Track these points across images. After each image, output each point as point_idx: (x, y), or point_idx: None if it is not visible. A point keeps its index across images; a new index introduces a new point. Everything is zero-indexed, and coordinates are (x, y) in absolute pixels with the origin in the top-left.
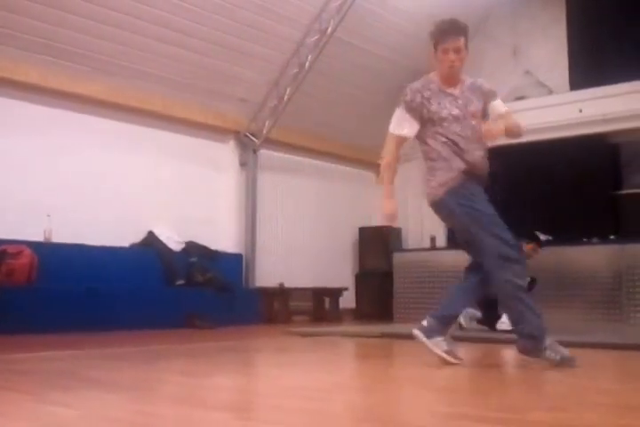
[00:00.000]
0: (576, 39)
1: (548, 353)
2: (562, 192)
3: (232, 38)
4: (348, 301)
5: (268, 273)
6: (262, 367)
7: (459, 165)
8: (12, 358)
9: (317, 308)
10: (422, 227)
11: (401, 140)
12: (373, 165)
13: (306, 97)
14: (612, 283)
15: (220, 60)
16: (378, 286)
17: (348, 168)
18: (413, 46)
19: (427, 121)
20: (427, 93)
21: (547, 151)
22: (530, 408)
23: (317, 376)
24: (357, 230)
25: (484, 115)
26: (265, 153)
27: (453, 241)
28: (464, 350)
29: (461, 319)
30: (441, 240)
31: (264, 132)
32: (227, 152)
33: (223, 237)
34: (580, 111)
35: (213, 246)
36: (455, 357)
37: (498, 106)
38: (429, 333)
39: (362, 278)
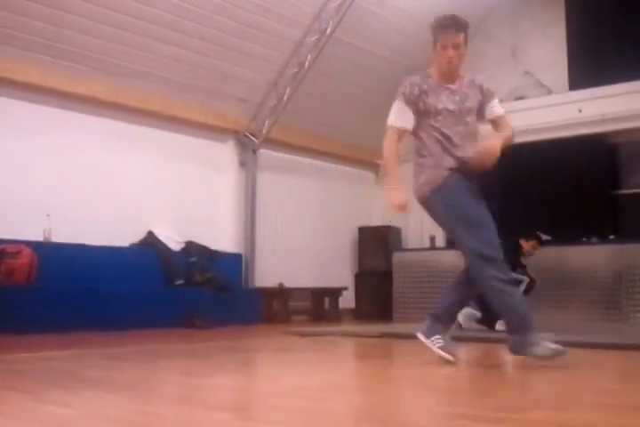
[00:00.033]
0: (575, 39)
1: (536, 349)
2: (561, 192)
3: (232, 38)
4: (347, 300)
5: (268, 273)
6: (262, 367)
7: (447, 163)
8: (12, 358)
9: (317, 308)
10: (422, 227)
11: (401, 133)
12: (373, 165)
13: (305, 97)
14: (612, 283)
15: (219, 59)
16: (377, 286)
17: (347, 168)
18: (413, 46)
19: (422, 113)
20: (424, 87)
21: (546, 151)
22: (530, 408)
23: (317, 376)
24: (357, 230)
25: (481, 114)
26: (264, 153)
27: (452, 241)
28: (464, 350)
29: (460, 319)
30: (440, 240)
31: (264, 131)
32: (226, 152)
33: (223, 237)
34: (580, 111)
35: (213, 246)
36: (450, 352)
37: (495, 108)
38: (427, 332)
39: (361, 278)
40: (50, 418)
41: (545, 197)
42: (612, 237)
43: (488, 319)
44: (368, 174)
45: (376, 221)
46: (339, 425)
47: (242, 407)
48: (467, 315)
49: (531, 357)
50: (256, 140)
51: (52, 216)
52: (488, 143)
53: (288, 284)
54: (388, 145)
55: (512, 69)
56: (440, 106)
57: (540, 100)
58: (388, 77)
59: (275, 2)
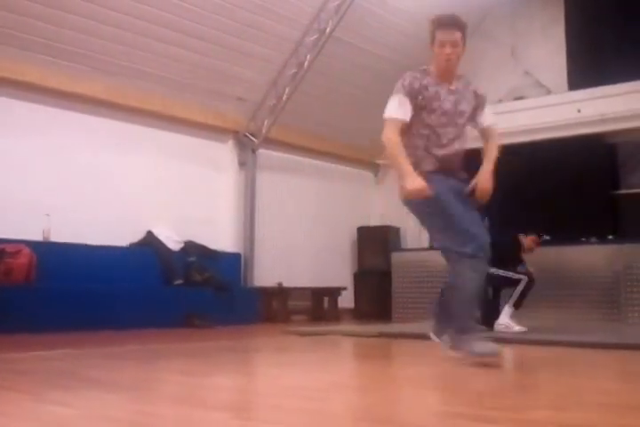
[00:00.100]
0: (575, 39)
1: (474, 346)
2: (560, 192)
3: (232, 38)
4: (346, 300)
5: (267, 272)
6: (261, 367)
7: (426, 166)
8: (12, 358)
9: (316, 307)
10: (421, 226)
11: (402, 125)
12: (373, 165)
13: (305, 97)
14: (611, 283)
15: (219, 59)
16: (376, 286)
17: (347, 168)
18: (413, 46)
19: (419, 108)
20: (425, 82)
21: (545, 151)
22: (529, 408)
23: (317, 376)
24: (356, 230)
25: (472, 119)
26: (264, 153)
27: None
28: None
29: None
30: None
31: (263, 131)
32: (226, 152)
33: (222, 237)
34: (579, 111)
35: (212, 246)
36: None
37: (486, 116)
38: (436, 332)
39: (360, 278)
40: (50, 418)
41: (544, 197)
42: (610, 237)
43: (487, 319)
44: (368, 174)
45: (375, 221)
46: (338, 425)
47: (241, 407)
48: None
49: (467, 354)
50: (256, 140)
51: (52, 216)
52: (482, 178)
53: (287, 283)
54: (392, 135)
55: (511, 69)
56: (436, 103)
57: (540, 100)
58: (388, 77)
59: (274, 2)
